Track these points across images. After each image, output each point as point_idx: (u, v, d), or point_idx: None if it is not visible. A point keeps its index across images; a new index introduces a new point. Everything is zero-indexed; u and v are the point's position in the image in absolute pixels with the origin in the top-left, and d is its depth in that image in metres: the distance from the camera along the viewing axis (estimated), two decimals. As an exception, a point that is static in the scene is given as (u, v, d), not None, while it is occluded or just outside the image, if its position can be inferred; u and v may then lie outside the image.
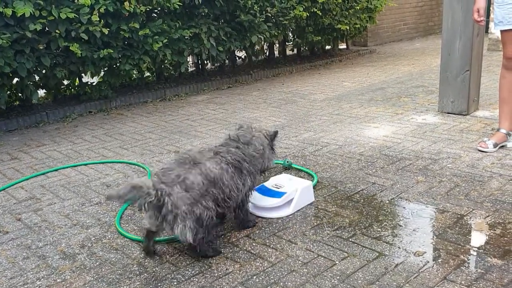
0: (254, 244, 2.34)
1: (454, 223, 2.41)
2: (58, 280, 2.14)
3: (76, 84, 5.58)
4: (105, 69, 5.33)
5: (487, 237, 2.27)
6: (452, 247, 2.19)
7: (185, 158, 2.23)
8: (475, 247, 2.18)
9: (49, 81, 4.89)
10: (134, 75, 5.31)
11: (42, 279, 2.16)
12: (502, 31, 3.28)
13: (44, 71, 4.72)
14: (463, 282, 1.93)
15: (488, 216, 2.46)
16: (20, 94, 5.15)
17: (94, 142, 4.25)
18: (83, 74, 5.43)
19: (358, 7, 7.73)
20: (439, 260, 2.10)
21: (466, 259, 2.09)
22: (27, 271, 2.23)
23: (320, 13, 7.09)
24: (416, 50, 9.31)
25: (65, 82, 5.58)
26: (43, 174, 3.50)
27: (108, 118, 5.12)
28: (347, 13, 7.65)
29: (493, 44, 8.11)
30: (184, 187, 2.10)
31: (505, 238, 2.24)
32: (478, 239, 2.26)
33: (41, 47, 4.52)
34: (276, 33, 6.66)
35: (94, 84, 5.58)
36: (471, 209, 2.54)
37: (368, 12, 8.15)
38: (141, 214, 2.73)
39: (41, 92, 5.54)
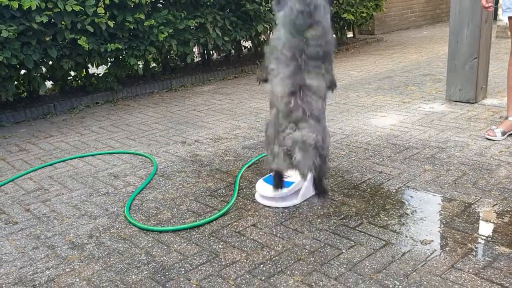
0: (261, 233, 2.35)
1: (462, 212, 2.40)
2: (67, 270, 2.16)
3: (83, 75, 5.59)
4: (111, 60, 5.33)
5: (495, 226, 2.26)
6: (460, 236, 2.18)
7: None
8: (482, 236, 2.18)
9: (56, 73, 4.90)
10: (138, 68, 5.30)
11: (51, 269, 2.18)
12: (510, 18, 3.24)
13: (50, 63, 4.73)
14: (470, 270, 1.93)
15: (496, 204, 2.45)
16: (27, 86, 5.17)
17: (101, 133, 4.26)
18: (89, 65, 5.44)
19: (364, -5, 7.67)
20: (447, 249, 2.09)
21: (473, 248, 2.09)
22: (37, 260, 2.26)
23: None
24: (423, 38, 9.23)
25: (72, 73, 5.59)
26: (51, 165, 3.52)
27: (114, 109, 5.14)
28: (354, 2, 7.58)
29: (501, 31, 8.02)
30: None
31: (513, 226, 2.23)
32: (485, 227, 2.25)
33: (47, 39, 4.52)
34: (282, 23, 6.61)
35: (100, 75, 5.59)
36: (479, 198, 2.53)
37: (375, 0, 8.07)
38: (149, 204, 2.75)
39: (48, 84, 5.56)
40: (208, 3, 5.65)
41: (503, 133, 3.34)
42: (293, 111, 2.24)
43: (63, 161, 3.58)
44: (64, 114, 5.04)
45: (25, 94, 5.34)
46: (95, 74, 5.63)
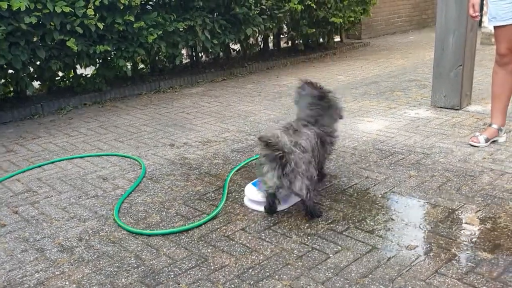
0: (249, 237, 2.38)
1: (446, 218, 2.46)
2: (56, 273, 2.18)
3: (71, 76, 5.57)
4: (100, 61, 5.32)
5: (478, 231, 2.32)
6: (444, 241, 2.24)
7: (286, 126, 2.57)
8: (466, 241, 2.24)
9: (44, 73, 4.88)
10: (127, 70, 5.30)
11: (41, 272, 2.19)
12: (495, 27, 3.32)
13: (38, 63, 4.71)
14: (453, 275, 1.99)
15: (479, 210, 2.52)
16: (14, 86, 5.14)
17: (89, 134, 4.26)
18: (77, 66, 5.43)
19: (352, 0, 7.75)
20: (431, 254, 2.15)
21: (457, 253, 2.15)
22: (26, 263, 2.26)
23: (315, 6, 7.10)
24: (409, 43, 9.35)
25: (60, 74, 5.56)
26: (39, 166, 3.52)
27: (103, 110, 5.13)
28: (342, 6, 7.66)
29: (486, 38, 8.17)
30: (301, 150, 2.42)
31: (495, 232, 2.29)
32: (469, 233, 2.32)
33: (35, 39, 4.51)
34: (271, 26, 6.66)
35: (88, 76, 5.58)
36: (463, 204, 2.60)
37: (362, 4, 8.16)
38: (138, 207, 2.77)
39: (36, 84, 5.53)
40: (198, 6, 5.67)
41: (487, 140, 3.42)
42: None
43: (52, 162, 3.58)
44: (51, 115, 5.02)
45: (11, 94, 5.30)
46: (83, 75, 5.61)
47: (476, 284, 1.92)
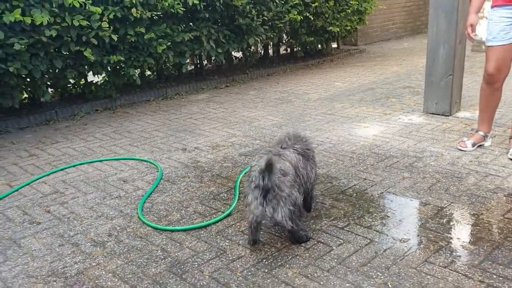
0: (261, 232, 2.68)
1: (435, 215, 2.78)
2: (93, 264, 2.47)
3: (82, 83, 5.87)
4: (111, 70, 5.62)
5: (463, 227, 2.64)
6: (433, 235, 2.56)
7: (269, 151, 2.54)
8: (452, 235, 2.56)
9: (59, 81, 5.18)
10: (136, 78, 5.60)
11: (79, 263, 2.49)
12: (489, 46, 3.53)
13: (56, 72, 5.01)
14: (441, 264, 2.30)
15: (464, 208, 2.84)
16: (29, 93, 5.43)
17: (104, 139, 4.56)
18: (88, 74, 5.72)
19: (349, 10, 8.09)
20: (421, 246, 2.46)
21: (444, 245, 2.46)
22: (64, 256, 2.56)
23: (312, 18, 7.44)
24: (404, 49, 9.70)
25: (71, 81, 5.85)
26: (62, 170, 3.81)
27: (114, 116, 5.43)
28: (339, 16, 8.00)
29: (477, 45, 8.51)
30: (282, 173, 2.38)
31: (478, 227, 2.61)
32: (455, 228, 2.64)
33: (52, 50, 4.81)
34: (272, 35, 7.00)
35: (99, 84, 5.87)
36: (450, 202, 2.92)
37: (359, 14, 8.50)
38: (159, 207, 3.07)
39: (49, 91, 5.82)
40: (204, 18, 5.98)
41: (473, 145, 3.74)
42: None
43: (73, 166, 3.87)
44: (66, 121, 5.31)
45: (26, 100, 5.58)
46: (94, 82, 5.90)
47: (459, 270, 2.24)
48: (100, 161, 3.97)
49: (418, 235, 2.57)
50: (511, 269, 2.22)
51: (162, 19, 5.76)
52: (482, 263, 2.29)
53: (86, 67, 5.24)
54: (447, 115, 4.69)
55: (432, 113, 4.78)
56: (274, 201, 2.33)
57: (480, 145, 3.79)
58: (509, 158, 3.51)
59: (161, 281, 2.29)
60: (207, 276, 2.31)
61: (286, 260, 2.41)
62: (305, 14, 7.24)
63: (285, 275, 2.28)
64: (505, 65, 3.52)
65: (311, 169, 2.68)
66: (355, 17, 8.38)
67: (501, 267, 2.24)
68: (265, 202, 2.33)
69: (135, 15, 5.05)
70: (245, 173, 3.53)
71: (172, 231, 2.77)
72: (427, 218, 2.75)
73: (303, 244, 2.53)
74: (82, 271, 2.41)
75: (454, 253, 2.38)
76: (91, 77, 5.98)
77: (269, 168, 2.29)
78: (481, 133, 3.80)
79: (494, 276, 2.18)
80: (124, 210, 3.07)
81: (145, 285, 2.27)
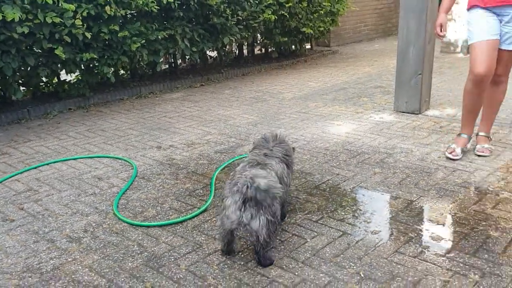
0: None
1: (405, 208, 2.87)
2: (69, 259, 2.47)
3: (55, 82, 5.80)
4: (84, 68, 5.57)
5: (431, 219, 2.74)
6: (403, 227, 2.65)
7: (254, 160, 2.49)
8: (421, 227, 2.65)
9: (31, 79, 5.11)
10: (111, 76, 5.56)
11: (55, 259, 2.48)
12: (471, 46, 3.42)
13: (28, 70, 4.94)
14: (410, 254, 2.39)
15: (433, 201, 2.94)
16: (1, 91, 5.34)
17: (78, 138, 4.52)
18: (61, 72, 5.66)
19: (322, 12, 8.21)
20: (392, 237, 2.55)
21: (413, 236, 2.55)
22: (40, 252, 2.55)
23: (288, 16, 7.53)
24: (375, 51, 9.89)
25: (44, 79, 5.77)
26: (35, 168, 3.77)
27: (88, 115, 5.38)
28: (312, 17, 8.11)
29: (445, 47, 8.75)
30: (271, 187, 2.26)
31: (446, 219, 2.72)
32: (423, 220, 2.73)
33: (24, 48, 4.74)
34: (246, 35, 7.05)
35: (72, 82, 5.81)
36: (419, 196, 3.02)
37: (331, 15, 8.64)
38: (134, 203, 3.08)
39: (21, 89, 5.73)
40: (178, 16, 5.99)
41: (462, 151, 3.62)
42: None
43: (47, 164, 3.84)
44: (38, 120, 5.24)
45: (-4, 99, 5.49)
46: (67, 81, 5.84)
47: (428, 260, 2.33)
48: (74, 159, 3.94)
49: (389, 227, 2.66)
50: (477, 258, 2.33)
51: (136, 17, 5.75)
52: (449, 252, 2.39)
53: (59, 65, 5.18)
54: (417, 113, 4.82)
55: (402, 112, 4.91)
56: (254, 208, 2.22)
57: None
58: (476, 154, 3.64)
59: (138, 275, 2.31)
60: (184, 270, 2.34)
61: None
62: (279, 13, 7.31)
63: (261, 267, 2.32)
64: (494, 62, 3.36)
65: (290, 176, 2.69)
66: (328, 18, 8.51)
67: (467, 256, 2.35)
68: (243, 207, 2.21)
69: (109, 12, 5.03)
70: (221, 170, 3.57)
71: (148, 226, 2.78)
72: (397, 211, 2.84)
73: (278, 237, 2.58)
74: (58, 267, 2.41)
75: (423, 244, 2.48)
76: (64, 76, 5.91)
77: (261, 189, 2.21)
78: (465, 135, 3.68)
79: (461, 265, 2.28)
80: (100, 206, 3.07)
81: (122, 279, 2.28)
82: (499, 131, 4.19)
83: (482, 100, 3.56)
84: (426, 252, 2.40)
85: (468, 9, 3.48)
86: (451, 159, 3.58)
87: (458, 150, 3.60)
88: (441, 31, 3.55)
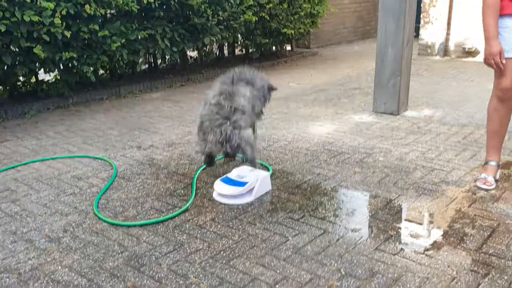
0: (219, 226, 2.74)
1: (384, 206, 2.92)
2: (48, 259, 2.44)
3: (33, 81, 5.71)
4: (63, 67, 5.50)
5: (410, 217, 2.79)
6: (382, 225, 2.69)
7: (221, 91, 3.39)
8: (400, 225, 2.70)
9: (8, 79, 5.02)
10: (91, 75, 5.50)
11: (33, 259, 2.45)
12: (508, 58, 2.91)
13: (5, 69, 4.86)
14: (390, 251, 2.43)
15: (412, 200, 2.99)
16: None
17: (57, 138, 4.46)
18: (39, 71, 5.57)
19: (302, 13, 8.26)
20: (372, 235, 2.59)
21: (393, 234, 2.60)
22: (17, 252, 2.51)
23: (268, 17, 7.56)
24: (354, 53, 9.99)
25: (21, 78, 5.68)
26: (13, 167, 3.71)
27: (67, 114, 5.31)
28: (292, 18, 8.16)
29: (423, 49, 8.89)
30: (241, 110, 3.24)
31: (424, 217, 2.77)
32: (402, 218, 2.78)
33: (0, 46, 4.66)
34: (227, 36, 7.05)
35: (51, 82, 5.73)
36: (398, 195, 3.07)
37: (311, 17, 8.70)
38: (115, 203, 3.06)
39: (-3, 88, 5.63)
40: (158, 16, 5.96)
41: (495, 179, 3.21)
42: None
43: (25, 164, 3.77)
44: (16, 119, 5.15)
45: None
46: (46, 81, 5.76)
47: (408, 257, 2.37)
48: (53, 158, 3.89)
49: (369, 225, 2.70)
50: (455, 255, 2.38)
51: (116, 16, 5.70)
52: (428, 250, 2.43)
53: (37, 64, 5.10)
54: (395, 114, 4.90)
55: (381, 113, 4.98)
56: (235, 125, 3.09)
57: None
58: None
59: (118, 274, 2.30)
60: (165, 269, 2.34)
61: (243, 251, 2.46)
62: (260, 15, 7.34)
63: (242, 265, 2.34)
64: None
65: (259, 99, 3.52)
66: (308, 20, 8.56)
67: (445, 253, 2.40)
68: (225, 125, 3.12)
69: (88, 11, 4.97)
70: (202, 170, 3.56)
71: (129, 226, 2.76)
72: (377, 209, 2.88)
73: (260, 236, 2.60)
74: (37, 267, 2.38)
75: (402, 241, 2.52)
76: (43, 75, 5.82)
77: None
78: (493, 163, 3.20)
79: (440, 262, 2.32)
80: (79, 206, 3.03)
81: (103, 278, 2.27)
82: (475, 131, 4.28)
83: (509, 120, 3.13)
84: (406, 249, 2.44)
85: (502, 15, 2.90)
86: (486, 189, 3.11)
87: (491, 178, 3.15)
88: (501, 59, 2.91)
